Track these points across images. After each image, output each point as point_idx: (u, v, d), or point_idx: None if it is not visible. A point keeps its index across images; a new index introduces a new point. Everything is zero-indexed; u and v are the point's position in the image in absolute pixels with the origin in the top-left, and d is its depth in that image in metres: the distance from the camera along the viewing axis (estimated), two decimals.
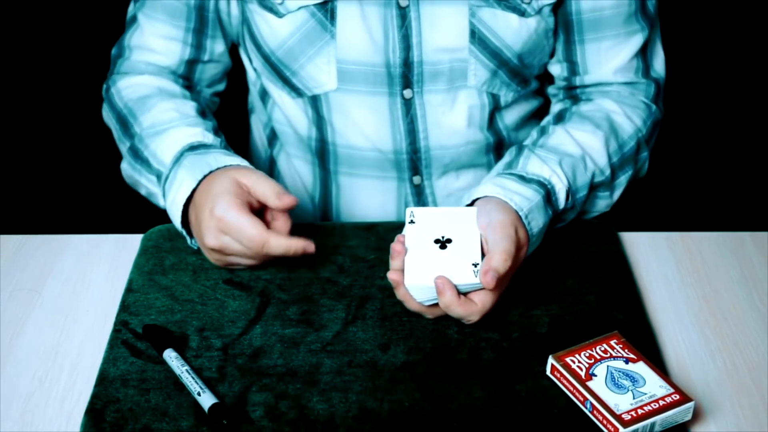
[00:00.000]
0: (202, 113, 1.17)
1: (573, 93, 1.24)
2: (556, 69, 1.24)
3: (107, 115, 1.23)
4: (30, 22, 2.22)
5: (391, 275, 0.97)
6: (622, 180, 1.17)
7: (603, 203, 1.17)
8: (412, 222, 1.00)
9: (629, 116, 1.18)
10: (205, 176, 1.05)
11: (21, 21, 2.21)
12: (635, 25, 1.19)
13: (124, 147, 1.18)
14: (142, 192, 1.18)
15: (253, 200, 1.03)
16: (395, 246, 0.98)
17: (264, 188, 1.02)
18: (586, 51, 1.20)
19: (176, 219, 1.07)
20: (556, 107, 1.25)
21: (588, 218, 1.17)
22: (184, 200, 1.05)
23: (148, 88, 1.19)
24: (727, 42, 2.27)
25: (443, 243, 0.98)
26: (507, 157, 1.13)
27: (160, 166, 1.10)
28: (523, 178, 1.06)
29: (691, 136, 2.27)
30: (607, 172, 1.14)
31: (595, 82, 1.22)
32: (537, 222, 1.03)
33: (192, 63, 1.23)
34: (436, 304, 0.97)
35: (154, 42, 1.21)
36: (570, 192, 1.09)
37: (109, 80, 1.24)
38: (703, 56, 2.26)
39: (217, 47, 1.24)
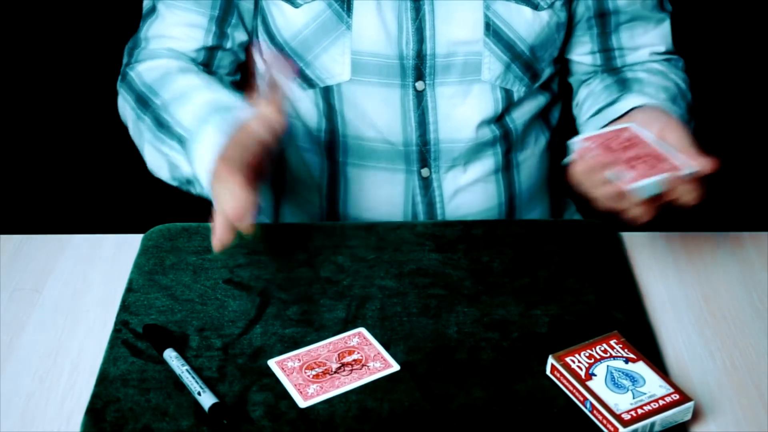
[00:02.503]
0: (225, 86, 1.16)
1: (613, 67, 1.29)
2: (588, 59, 1.28)
3: (124, 102, 1.20)
4: (31, 23, 2.22)
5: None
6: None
7: None
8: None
9: (680, 79, 1.25)
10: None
11: (22, 22, 2.21)
12: (660, 13, 1.26)
13: (144, 125, 1.14)
14: (165, 174, 1.14)
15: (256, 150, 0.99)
16: None
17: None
18: (622, 38, 1.26)
19: (203, 177, 1.03)
20: (596, 80, 1.28)
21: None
22: (214, 155, 1.00)
23: (169, 68, 1.17)
24: (727, 43, 2.27)
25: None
26: (605, 99, 1.21)
27: (183, 131, 1.07)
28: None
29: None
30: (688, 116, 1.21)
31: (635, 62, 1.28)
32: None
33: (213, 50, 1.21)
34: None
35: (175, 30, 1.20)
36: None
37: (126, 69, 1.22)
38: (703, 56, 2.26)
39: (239, 36, 1.23)
